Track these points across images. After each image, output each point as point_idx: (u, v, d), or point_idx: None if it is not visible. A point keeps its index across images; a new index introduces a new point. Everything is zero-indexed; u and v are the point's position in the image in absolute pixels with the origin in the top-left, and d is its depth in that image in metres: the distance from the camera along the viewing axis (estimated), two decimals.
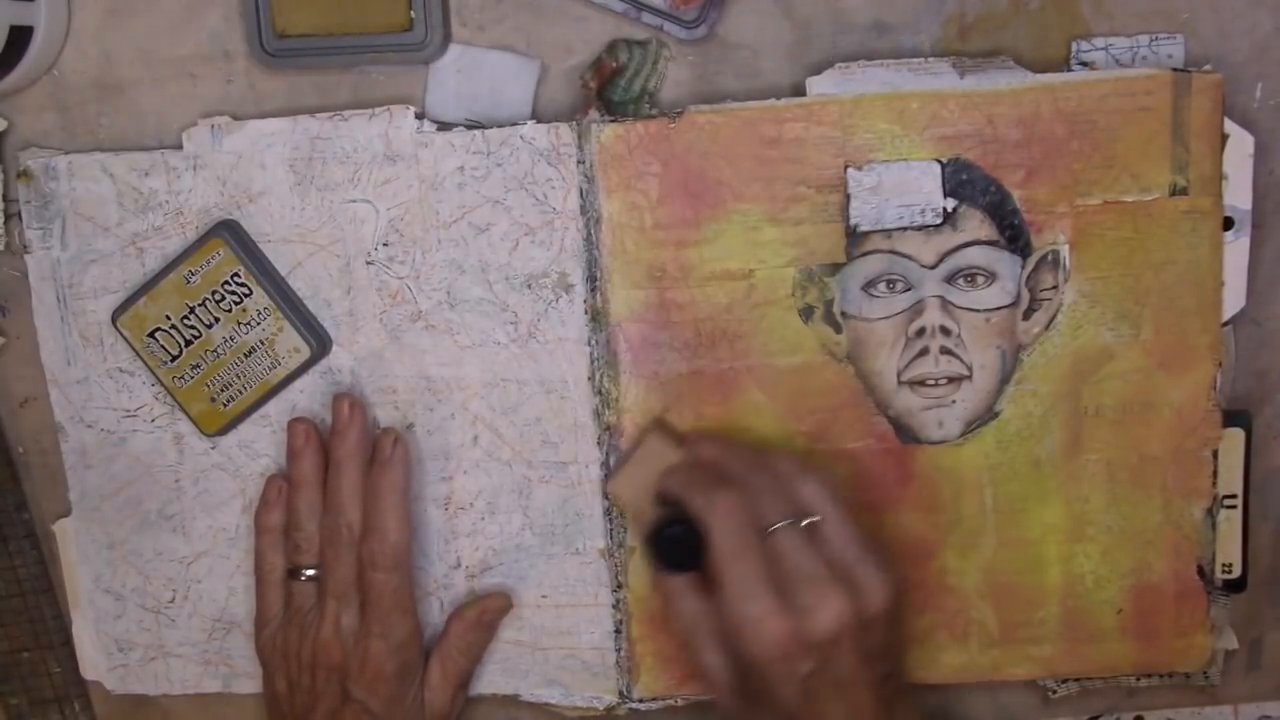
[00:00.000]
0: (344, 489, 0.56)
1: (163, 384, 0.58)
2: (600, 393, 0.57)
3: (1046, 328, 0.55)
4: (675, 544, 0.50)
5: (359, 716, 0.55)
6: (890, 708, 0.50)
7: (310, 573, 0.57)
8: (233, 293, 0.56)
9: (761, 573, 0.48)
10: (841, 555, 0.49)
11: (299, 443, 0.57)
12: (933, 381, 0.56)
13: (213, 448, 0.59)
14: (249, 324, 0.57)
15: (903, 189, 0.54)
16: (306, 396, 0.58)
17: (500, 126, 0.55)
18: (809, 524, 0.50)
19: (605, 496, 0.57)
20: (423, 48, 0.55)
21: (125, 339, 0.58)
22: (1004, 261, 0.55)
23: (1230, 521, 0.58)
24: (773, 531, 0.49)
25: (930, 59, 0.54)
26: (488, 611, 0.58)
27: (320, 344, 0.57)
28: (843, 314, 0.56)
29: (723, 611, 0.49)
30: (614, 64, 0.55)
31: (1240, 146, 0.54)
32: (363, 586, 0.55)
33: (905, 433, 0.57)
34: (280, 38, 0.55)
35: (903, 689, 0.52)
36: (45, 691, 0.63)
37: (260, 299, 0.56)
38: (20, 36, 0.54)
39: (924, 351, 0.56)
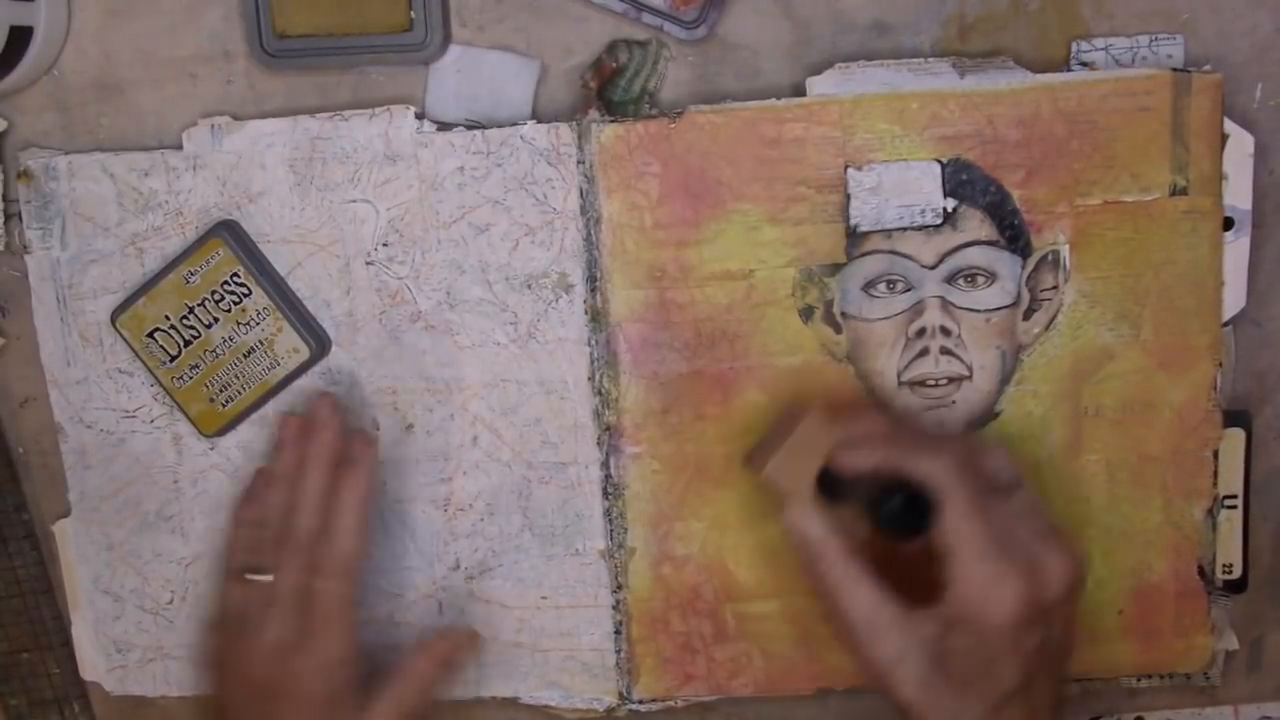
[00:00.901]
0: (307, 490, 0.53)
1: (162, 384, 0.58)
2: (600, 393, 0.57)
3: (1047, 328, 0.55)
4: (906, 512, 0.48)
5: None
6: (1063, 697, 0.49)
7: (265, 578, 0.54)
8: (232, 293, 0.56)
9: (995, 533, 0.46)
10: (1042, 522, 0.48)
11: (285, 434, 0.55)
12: (933, 382, 0.56)
13: (211, 448, 0.59)
14: (248, 324, 0.57)
15: (903, 189, 0.54)
16: (305, 397, 0.58)
17: (500, 126, 0.55)
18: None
19: (747, 470, 0.54)
20: (422, 48, 0.55)
21: (124, 339, 0.57)
22: (1004, 261, 0.55)
23: (1231, 522, 0.58)
24: (993, 494, 0.47)
25: (930, 59, 0.54)
26: (460, 649, 0.56)
27: (319, 344, 0.57)
28: (843, 314, 0.56)
29: (956, 576, 0.46)
30: (614, 64, 0.55)
31: (1240, 146, 0.54)
32: (307, 594, 0.52)
33: None
34: (280, 38, 0.55)
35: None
36: (45, 692, 0.63)
37: (260, 299, 0.56)
38: (20, 36, 0.54)
39: (924, 352, 0.56)
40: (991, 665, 0.47)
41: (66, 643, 0.62)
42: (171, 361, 0.58)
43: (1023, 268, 0.55)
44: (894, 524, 0.49)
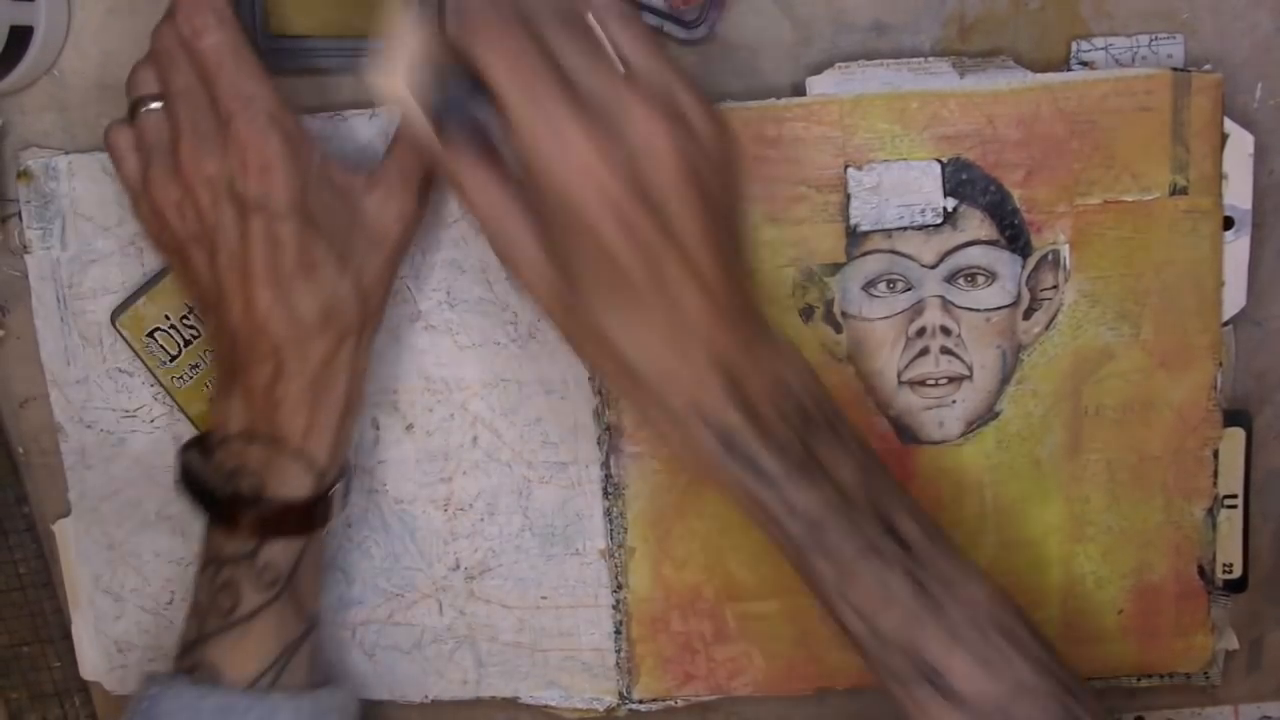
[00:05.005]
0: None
1: (161, 384, 0.58)
2: (600, 393, 0.57)
3: (1047, 327, 0.55)
4: (464, 111, 0.40)
5: (269, 226, 0.45)
6: (742, 296, 0.41)
7: (155, 105, 0.48)
8: None
9: (558, 94, 0.37)
10: (653, 78, 0.39)
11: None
12: (933, 381, 0.56)
13: None
14: None
15: (903, 189, 0.54)
16: None
17: None
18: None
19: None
20: None
21: (124, 339, 0.58)
22: (1004, 261, 0.55)
23: (1231, 521, 0.58)
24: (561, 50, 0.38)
25: (930, 59, 0.54)
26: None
27: None
28: (843, 314, 0.56)
29: (522, 154, 0.38)
30: None
31: (1240, 146, 0.54)
32: (200, 75, 0.45)
33: (905, 433, 0.57)
34: (274, 37, 0.55)
35: (754, 300, 0.41)
36: (45, 686, 0.63)
37: None
38: (20, 36, 0.54)
39: (924, 351, 0.56)
40: (593, 243, 0.38)
41: (67, 636, 0.62)
42: (171, 361, 0.58)
43: (1023, 267, 0.55)
44: (449, 133, 0.41)
